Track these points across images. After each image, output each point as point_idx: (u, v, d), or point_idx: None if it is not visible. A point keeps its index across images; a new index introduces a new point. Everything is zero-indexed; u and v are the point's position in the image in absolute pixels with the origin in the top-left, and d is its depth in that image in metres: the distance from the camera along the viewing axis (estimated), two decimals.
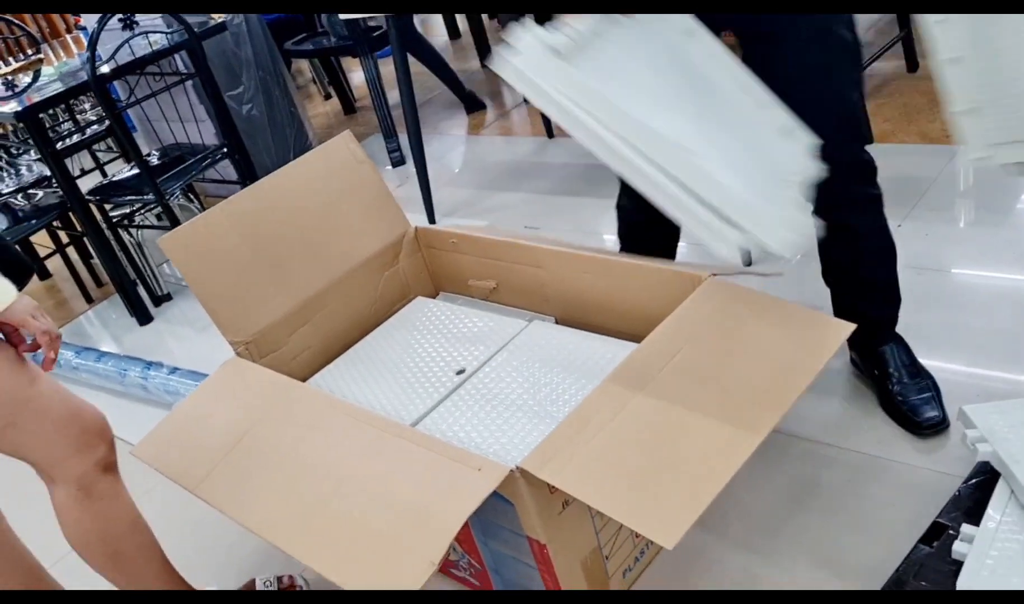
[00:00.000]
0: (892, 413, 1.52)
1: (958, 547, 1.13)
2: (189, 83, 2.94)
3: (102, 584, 1.36)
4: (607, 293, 1.55)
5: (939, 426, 1.46)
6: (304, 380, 1.63)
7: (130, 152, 2.65)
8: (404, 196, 3.06)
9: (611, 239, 1.91)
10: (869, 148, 1.42)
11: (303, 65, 5.05)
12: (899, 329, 1.58)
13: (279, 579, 1.54)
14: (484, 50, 4.11)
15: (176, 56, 2.87)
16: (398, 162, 3.32)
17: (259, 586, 1.53)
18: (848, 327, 1.21)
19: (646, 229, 1.59)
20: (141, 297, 2.79)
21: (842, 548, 1.33)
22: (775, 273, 1.40)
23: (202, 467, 1.35)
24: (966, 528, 1.13)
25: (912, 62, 2.69)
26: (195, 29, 2.65)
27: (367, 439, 1.25)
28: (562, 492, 1.16)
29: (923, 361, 1.55)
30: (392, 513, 1.12)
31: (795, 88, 1.24)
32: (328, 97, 4.58)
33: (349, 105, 4.26)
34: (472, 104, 3.64)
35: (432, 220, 2.78)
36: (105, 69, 2.53)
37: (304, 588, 1.55)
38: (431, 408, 1.47)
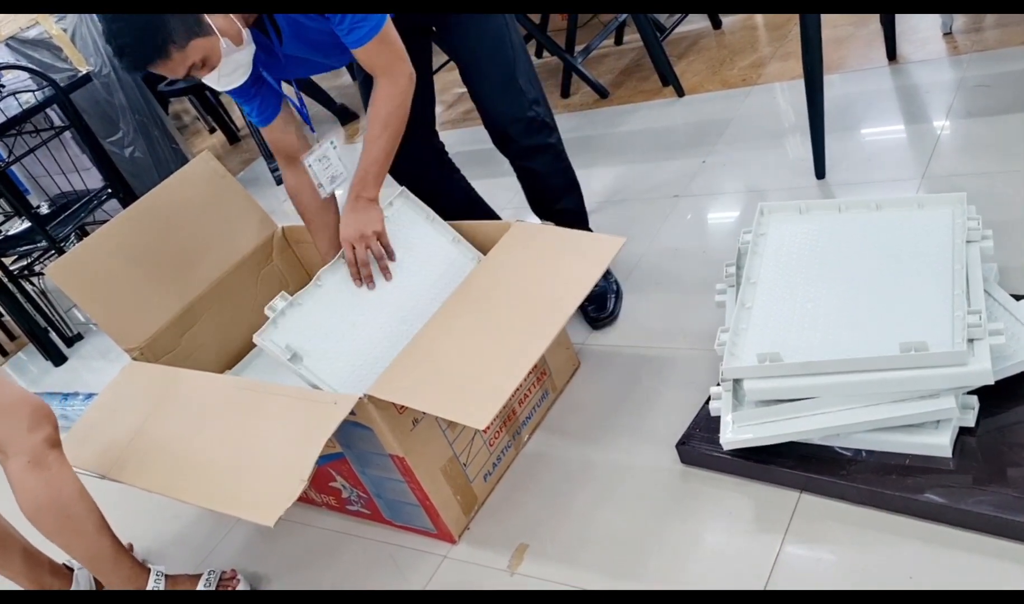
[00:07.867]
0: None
1: (712, 406, 1.43)
2: (68, 136, 3.11)
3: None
4: None
5: (609, 319, 1.89)
6: None
7: (18, 207, 2.83)
8: (291, 209, 3.27)
9: None
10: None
11: (187, 105, 5.20)
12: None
13: (222, 573, 1.66)
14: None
15: (49, 111, 3.04)
16: (281, 180, 3.54)
17: (202, 580, 1.64)
18: (617, 242, 1.51)
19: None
20: (53, 341, 2.96)
21: (654, 425, 1.62)
22: None
23: (113, 453, 1.58)
24: (713, 389, 1.43)
25: (715, 19, 3.05)
26: (61, 84, 2.83)
27: (242, 397, 1.51)
28: (410, 411, 1.43)
29: None
30: (268, 446, 1.38)
31: (471, 69, 1.75)
32: (213, 131, 4.76)
33: (233, 135, 4.45)
34: (344, 116, 3.88)
35: None
36: None
37: (240, 582, 1.64)
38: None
